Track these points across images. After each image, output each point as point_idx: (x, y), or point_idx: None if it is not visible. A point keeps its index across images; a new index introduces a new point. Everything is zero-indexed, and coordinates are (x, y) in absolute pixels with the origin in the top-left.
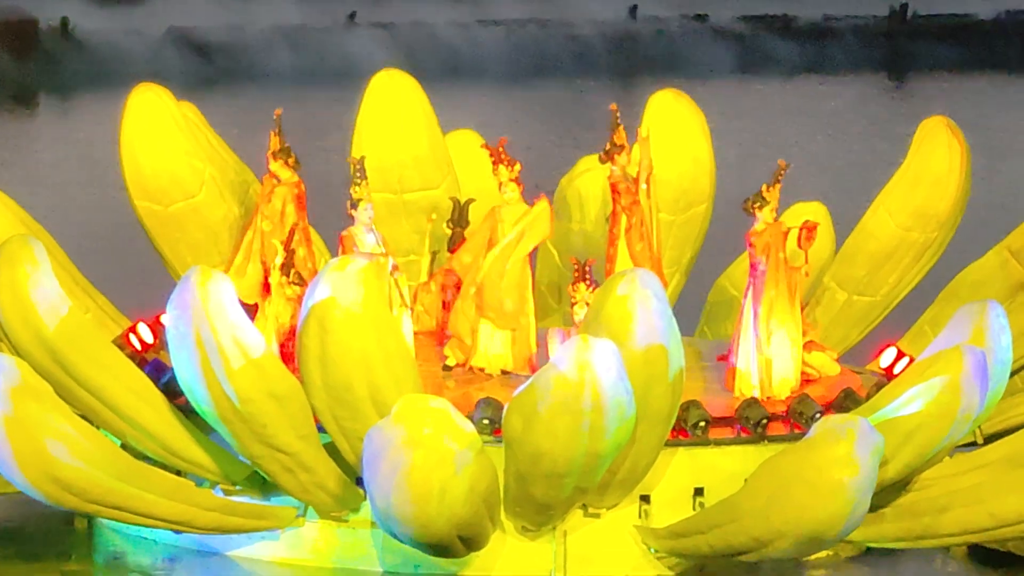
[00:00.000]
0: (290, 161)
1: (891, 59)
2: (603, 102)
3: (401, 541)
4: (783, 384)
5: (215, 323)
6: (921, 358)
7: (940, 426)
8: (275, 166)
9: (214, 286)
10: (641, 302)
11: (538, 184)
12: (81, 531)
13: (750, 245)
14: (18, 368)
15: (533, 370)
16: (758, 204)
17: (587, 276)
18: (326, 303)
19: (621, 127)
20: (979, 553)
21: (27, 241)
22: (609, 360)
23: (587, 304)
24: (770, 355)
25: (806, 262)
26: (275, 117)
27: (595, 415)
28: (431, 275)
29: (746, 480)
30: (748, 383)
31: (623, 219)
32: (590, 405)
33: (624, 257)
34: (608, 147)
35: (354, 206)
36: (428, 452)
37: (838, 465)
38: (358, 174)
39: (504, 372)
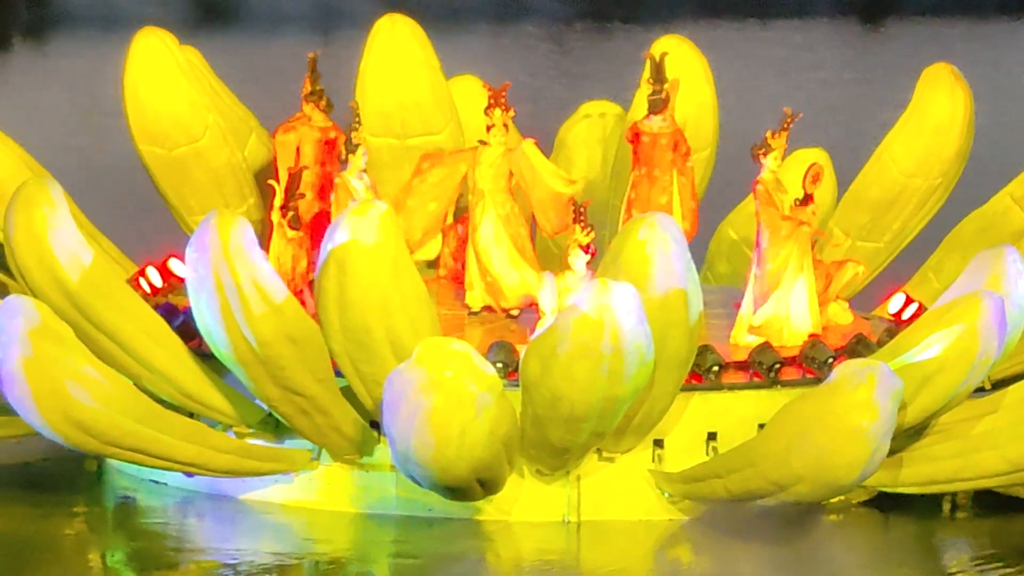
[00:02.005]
0: (321, 104)
1: (867, 3)
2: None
3: (420, 484)
4: (796, 336)
5: (235, 266)
6: (939, 303)
7: (958, 371)
8: (307, 108)
9: (234, 229)
10: (660, 246)
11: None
12: (91, 473)
13: (755, 193)
14: (38, 310)
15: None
16: (763, 151)
17: (582, 218)
18: (346, 246)
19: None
20: (985, 499)
21: (44, 183)
22: (629, 303)
23: (579, 246)
24: (787, 307)
25: (811, 200)
26: (309, 59)
27: (614, 359)
28: (458, 219)
29: (762, 425)
30: (764, 332)
31: (673, 171)
32: (610, 349)
33: (677, 208)
34: (665, 96)
35: (352, 151)
36: (449, 395)
37: (858, 410)
38: (356, 120)
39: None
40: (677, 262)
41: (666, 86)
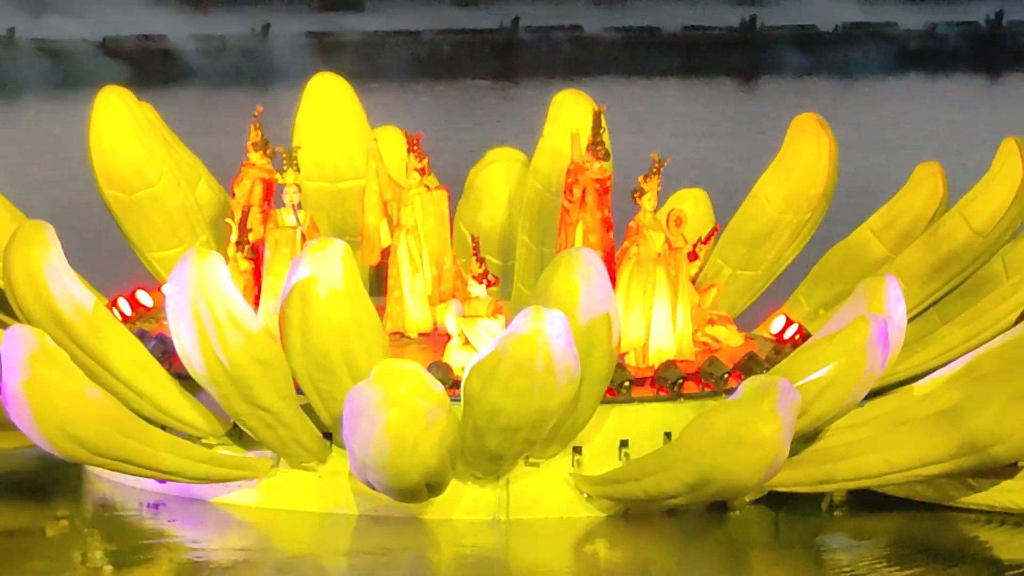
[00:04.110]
0: (268, 151)
1: (744, 64)
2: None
3: (375, 489)
4: (659, 355)
5: (211, 298)
6: (829, 325)
7: (848, 385)
8: (254, 156)
9: (210, 265)
10: (586, 277)
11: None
12: (72, 480)
13: (627, 230)
14: (37, 337)
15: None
16: (637, 193)
17: (475, 251)
18: (307, 281)
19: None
20: (860, 496)
21: (40, 226)
22: (559, 328)
23: (471, 275)
24: (647, 331)
25: (686, 242)
26: (255, 114)
27: (546, 376)
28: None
29: (667, 433)
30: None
31: (599, 213)
32: (542, 367)
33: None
34: (601, 149)
35: (282, 189)
36: (403, 409)
37: (763, 420)
38: (286, 163)
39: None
40: (601, 291)
41: (601, 137)
